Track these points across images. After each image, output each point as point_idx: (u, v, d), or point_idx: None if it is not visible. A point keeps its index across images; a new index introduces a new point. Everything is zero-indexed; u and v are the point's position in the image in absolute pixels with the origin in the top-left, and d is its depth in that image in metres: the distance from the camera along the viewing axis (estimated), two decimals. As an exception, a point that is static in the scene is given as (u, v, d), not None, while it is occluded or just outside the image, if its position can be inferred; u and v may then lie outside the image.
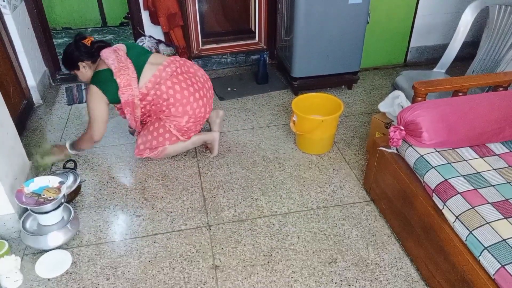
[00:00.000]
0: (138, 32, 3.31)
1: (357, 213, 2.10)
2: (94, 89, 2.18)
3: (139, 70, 2.21)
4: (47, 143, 2.60)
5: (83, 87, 3.29)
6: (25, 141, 2.64)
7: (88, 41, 2.23)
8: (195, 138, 2.42)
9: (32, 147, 2.55)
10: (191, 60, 3.38)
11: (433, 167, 1.68)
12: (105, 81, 2.17)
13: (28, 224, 1.95)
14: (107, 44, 2.29)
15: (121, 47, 2.27)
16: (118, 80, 2.15)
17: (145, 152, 2.39)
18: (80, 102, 3.11)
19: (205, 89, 2.37)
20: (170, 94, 2.23)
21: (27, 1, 2.99)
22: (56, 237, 1.90)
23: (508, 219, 1.44)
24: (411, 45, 3.50)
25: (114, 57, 2.19)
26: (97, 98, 2.19)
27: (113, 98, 2.20)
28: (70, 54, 2.24)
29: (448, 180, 1.61)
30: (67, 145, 2.41)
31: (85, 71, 2.27)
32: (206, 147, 2.56)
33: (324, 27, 2.83)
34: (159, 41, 3.28)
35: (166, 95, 2.23)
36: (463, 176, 1.63)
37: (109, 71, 2.16)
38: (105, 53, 2.21)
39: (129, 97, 2.20)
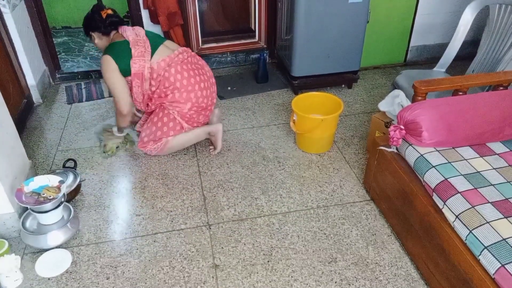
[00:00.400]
0: (138, 31, 3.30)
1: (357, 213, 2.10)
2: (106, 58, 2.23)
3: (154, 48, 2.28)
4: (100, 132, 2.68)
5: (83, 86, 3.29)
6: (25, 140, 2.64)
7: (104, 13, 2.27)
8: (199, 131, 2.44)
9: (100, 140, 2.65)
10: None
11: (433, 167, 1.68)
12: (119, 50, 2.24)
13: (28, 223, 1.95)
14: (121, 21, 2.34)
15: (139, 28, 2.35)
16: (133, 50, 2.21)
17: (149, 144, 2.41)
18: (80, 101, 3.11)
19: (209, 83, 2.44)
20: (178, 79, 2.28)
21: (26, 0, 2.99)
22: (56, 236, 1.90)
23: (508, 218, 1.44)
24: (411, 44, 3.49)
25: (132, 32, 2.29)
26: (110, 67, 2.23)
27: (125, 69, 2.24)
28: (85, 22, 2.34)
29: (448, 179, 1.61)
30: (114, 130, 2.52)
31: (96, 41, 2.35)
32: (210, 143, 2.56)
33: (324, 26, 2.83)
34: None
35: (173, 78, 2.28)
36: (463, 175, 1.63)
37: (126, 42, 2.25)
38: (123, 28, 2.32)
39: (140, 68, 2.24)
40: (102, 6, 2.34)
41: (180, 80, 2.29)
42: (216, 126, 2.48)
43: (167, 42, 2.38)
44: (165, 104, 2.34)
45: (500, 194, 1.55)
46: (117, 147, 2.53)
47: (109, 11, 2.29)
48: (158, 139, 2.37)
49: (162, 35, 3.31)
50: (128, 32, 2.28)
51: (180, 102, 2.31)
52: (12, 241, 1.97)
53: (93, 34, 2.32)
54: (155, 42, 2.31)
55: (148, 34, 2.35)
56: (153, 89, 2.32)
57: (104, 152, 2.51)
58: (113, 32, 2.32)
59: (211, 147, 2.55)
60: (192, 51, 3.37)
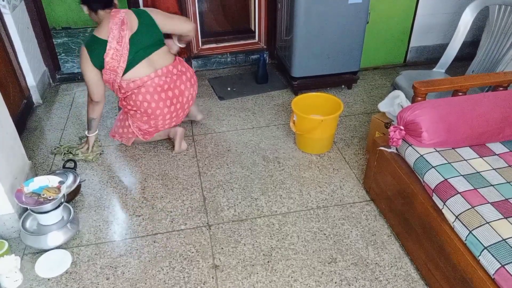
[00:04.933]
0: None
1: (357, 213, 2.10)
2: (83, 51, 2.18)
3: (130, 64, 2.19)
4: (65, 146, 2.60)
5: None
6: (24, 141, 2.64)
7: None
8: (160, 132, 2.50)
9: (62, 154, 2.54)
10: (190, 61, 3.40)
11: (433, 167, 1.68)
12: (96, 49, 2.16)
13: (28, 224, 1.95)
14: (109, 2, 2.18)
15: (131, 24, 2.18)
16: (106, 60, 2.15)
17: (116, 136, 2.52)
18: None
19: (181, 110, 2.42)
20: (144, 105, 2.27)
21: (26, 0, 2.99)
22: (56, 237, 1.90)
23: (508, 218, 1.44)
24: (411, 44, 3.49)
25: (116, 34, 2.13)
26: (86, 61, 2.19)
27: (97, 67, 2.20)
28: None
29: (448, 179, 1.61)
30: (86, 133, 2.50)
31: (86, 12, 2.23)
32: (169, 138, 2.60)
33: (324, 27, 2.83)
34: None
35: (139, 102, 2.26)
36: (463, 175, 1.63)
37: (105, 43, 2.13)
38: (113, 22, 2.13)
39: (109, 79, 2.23)
40: None
41: (146, 106, 2.26)
42: (175, 129, 2.47)
43: (155, 56, 2.25)
44: (130, 112, 2.35)
45: (500, 194, 1.55)
46: (99, 153, 2.53)
47: None
48: (120, 137, 2.50)
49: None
50: (111, 35, 2.12)
51: (141, 121, 2.35)
52: (12, 241, 1.97)
53: (82, 6, 2.21)
54: (135, 57, 2.18)
55: (135, 39, 2.17)
56: (120, 96, 2.32)
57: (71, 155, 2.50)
58: (102, 12, 2.17)
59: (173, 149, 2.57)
60: (192, 51, 3.39)
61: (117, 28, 2.14)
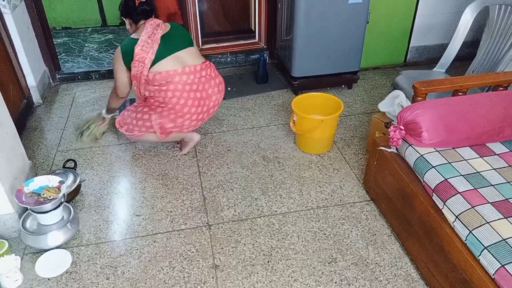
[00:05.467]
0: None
1: (357, 213, 2.10)
2: (117, 50, 2.28)
3: (159, 57, 2.21)
4: (82, 120, 2.72)
5: None
6: (24, 141, 2.64)
7: (138, 0, 2.25)
8: (174, 134, 2.43)
9: (75, 129, 2.73)
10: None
11: (433, 167, 1.68)
12: (128, 47, 2.23)
13: (28, 224, 1.95)
14: (152, 10, 2.32)
15: (165, 26, 2.29)
16: (135, 51, 2.20)
17: (124, 127, 2.43)
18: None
19: (207, 114, 2.42)
20: (173, 100, 2.24)
21: (27, 0, 2.99)
22: (56, 237, 1.90)
23: (508, 218, 1.44)
24: (411, 44, 3.49)
25: (149, 31, 2.23)
26: (118, 61, 2.27)
27: (128, 66, 2.26)
28: (121, 6, 2.33)
29: (448, 179, 1.61)
30: (103, 112, 2.59)
31: (127, 26, 2.36)
32: (179, 143, 2.57)
33: (324, 26, 2.83)
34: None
35: (168, 98, 2.23)
36: (463, 175, 1.63)
37: (137, 40, 2.22)
38: (149, 23, 2.26)
39: (137, 73, 2.23)
40: None
41: (176, 100, 2.23)
42: (192, 135, 2.47)
43: (184, 53, 2.26)
44: (152, 107, 2.32)
45: (500, 194, 1.55)
46: (103, 133, 2.64)
47: None
48: (131, 130, 2.39)
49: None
50: (148, 29, 2.23)
51: (166, 119, 2.29)
52: (12, 241, 1.97)
53: (125, 19, 2.34)
54: (167, 49, 2.21)
55: (167, 36, 2.24)
56: (147, 94, 2.30)
57: (82, 135, 2.60)
58: (141, 22, 2.30)
59: (177, 145, 2.56)
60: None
61: (152, 28, 2.25)
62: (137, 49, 2.19)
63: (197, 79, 2.27)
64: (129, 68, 2.26)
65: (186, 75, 2.24)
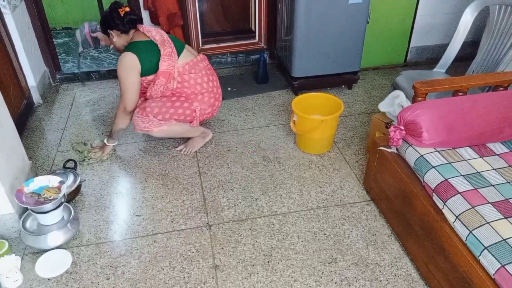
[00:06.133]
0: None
1: (357, 213, 2.10)
2: (129, 56, 2.19)
3: (179, 51, 2.32)
4: (83, 146, 2.60)
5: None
6: (25, 141, 2.64)
7: (122, 11, 2.24)
8: (197, 128, 2.52)
9: (75, 149, 2.60)
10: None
11: (433, 167, 1.68)
12: (145, 49, 2.23)
13: (28, 224, 1.95)
14: (139, 19, 2.35)
15: (160, 30, 2.35)
16: (162, 50, 2.23)
17: (158, 116, 2.27)
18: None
19: (218, 87, 2.53)
20: (199, 83, 2.37)
21: (27, 0, 2.99)
22: (56, 237, 1.90)
23: (508, 219, 1.44)
24: (411, 45, 3.49)
25: (157, 32, 2.29)
26: (130, 66, 2.19)
27: (148, 68, 2.24)
28: (102, 20, 2.31)
29: (448, 180, 1.61)
30: (105, 141, 2.50)
31: (114, 39, 2.30)
32: (184, 140, 2.60)
33: (324, 27, 2.83)
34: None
35: (195, 82, 2.35)
36: (463, 176, 1.63)
37: (151, 42, 2.25)
38: (145, 27, 2.31)
39: (169, 67, 2.26)
40: (120, 3, 2.29)
41: (201, 84, 2.37)
42: (208, 131, 2.62)
43: (188, 47, 2.43)
44: (184, 96, 2.36)
45: (500, 194, 1.55)
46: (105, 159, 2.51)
47: (127, 9, 2.25)
48: (166, 119, 2.29)
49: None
50: (154, 32, 2.28)
51: (207, 104, 2.41)
52: (12, 241, 1.97)
53: (111, 32, 2.28)
54: (178, 46, 2.33)
55: (170, 37, 2.35)
56: (178, 88, 2.34)
57: (86, 159, 2.49)
58: (132, 31, 2.30)
59: (181, 146, 2.57)
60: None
61: (154, 30, 2.31)
62: (162, 47, 2.24)
63: (205, 63, 2.46)
64: (145, 73, 2.25)
65: (200, 62, 2.41)
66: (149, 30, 2.29)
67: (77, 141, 2.64)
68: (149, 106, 2.27)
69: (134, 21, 2.28)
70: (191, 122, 2.41)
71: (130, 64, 2.20)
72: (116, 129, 2.41)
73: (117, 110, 2.36)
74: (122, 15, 2.23)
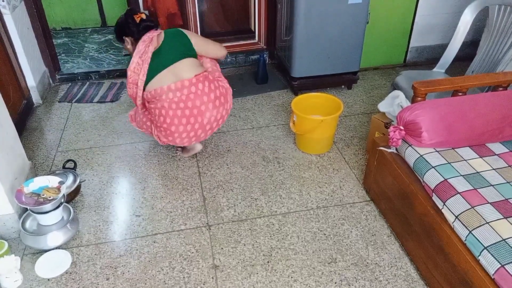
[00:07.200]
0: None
1: (356, 213, 2.10)
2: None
3: (150, 75, 2.14)
4: None
5: (83, 86, 3.29)
6: (24, 141, 2.64)
7: (138, 17, 2.17)
8: None
9: None
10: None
11: (433, 167, 1.68)
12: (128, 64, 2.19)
13: (27, 224, 1.95)
14: (154, 25, 2.22)
15: (158, 38, 2.19)
16: (128, 73, 2.16)
17: (133, 122, 2.49)
18: (70, 101, 3.11)
19: (202, 130, 2.27)
20: (161, 119, 2.20)
21: (26, 1, 2.99)
22: (56, 237, 1.90)
23: (507, 219, 1.44)
24: (411, 45, 3.50)
25: (141, 49, 2.13)
26: None
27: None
28: (118, 27, 2.23)
29: (447, 180, 1.61)
30: None
31: (128, 46, 2.25)
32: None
33: (324, 27, 2.83)
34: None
35: (156, 116, 2.21)
36: (462, 176, 1.63)
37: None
38: (142, 39, 2.15)
39: (133, 94, 2.22)
40: (135, 10, 2.25)
41: (163, 119, 2.19)
42: (195, 146, 2.45)
43: (180, 64, 2.16)
44: (152, 122, 2.31)
45: (500, 194, 1.55)
46: None
47: (143, 16, 2.19)
48: (141, 126, 2.45)
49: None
50: (139, 48, 2.13)
51: (161, 134, 2.26)
52: (12, 242, 1.97)
53: (126, 39, 2.22)
54: (158, 65, 2.13)
55: (161, 50, 2.15)
56: (149, 118, 2.31)
57: None
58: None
59: (179, 149, 2.54)
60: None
61: (143, 45, 2.14)
62: (129, 71, 2.14)
63: (184, 96, 2.15)
64: None
65: (172, 92, 2.14)
66: (139, 45, 2.14)
67: None
68: (130, 112, 2.51)
69: (148, 28, 2.18)
70: (160, 142, 2.33)
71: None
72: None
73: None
74: (138, 21, 2.16)
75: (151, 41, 2.15)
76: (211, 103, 2.22)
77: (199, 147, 2.47)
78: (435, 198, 1.63)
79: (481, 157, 1.74)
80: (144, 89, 2.19)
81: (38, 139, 2.72)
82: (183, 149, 2.52)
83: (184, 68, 2.17)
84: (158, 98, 2.16)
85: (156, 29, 2.22)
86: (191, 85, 2.15)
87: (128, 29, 2.19)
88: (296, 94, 3.10)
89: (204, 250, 1.91)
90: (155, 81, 2.15)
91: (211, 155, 2.52)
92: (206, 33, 3.41)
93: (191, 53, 2.24)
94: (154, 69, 2.14)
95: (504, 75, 2.01)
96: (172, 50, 2.18)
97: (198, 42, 2.29)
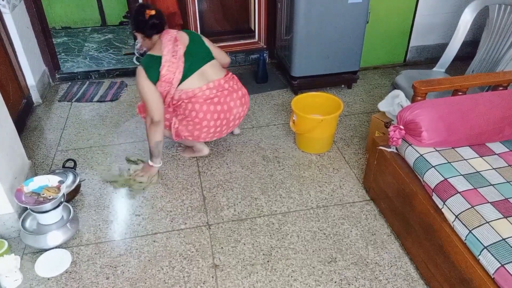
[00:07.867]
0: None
1: (356, 212, 2.10)
2: (140, 70, 2.13)
3: (185, 75, 2.18)
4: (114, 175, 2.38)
5: (83, 86, 3.29)
6: (24, 141, 2.64)
7: (147, 13, 2.14)
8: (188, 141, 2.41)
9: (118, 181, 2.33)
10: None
11: (433, 167, 1.68)
12: (152, 66, 2.14)
13: (27, 223, 1.95)
14: (163, 25, 2.20)
15: (183, 40, 2.21)
16: (162, 72, 2.13)
17: (142, 114, 2.37)
18: (70, 100, 3.10)
19: (226, 127, 2.33)
20: (193, 114, 2.21)
21: (26, 0, 2.98)
22: (56, 236, 1.90)
23: (507, 218, 1.44)
24: (411, 44, 3.49)
25: (171, 49, 2.15)
26: (143, 77, 2.13)
27: (154, 82, 2.16)
28: (133, 20, 2.22)
29: (447, 179, 1.61)
30: (149, 162, 2.28)
31: (141, 41, 2.25)
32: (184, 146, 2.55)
33: (324, 26, 2.83)
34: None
35: (188, 111, 2.21)
36: (462, 175, 1.63)
37: (160, 58, 2.13)
38: (166, 38, 2.17)
39: (164, 92, 2.19)
40: (145, 6, 2.21)
41: (195, 113, 2.20)
42: (202, 148, 2.46)
43: (208, 67, 2.24)
44: (176, 116, 2.27)
45: (500, 194, 1.55)
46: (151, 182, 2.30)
47: (152, 12, 2.15)
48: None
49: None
50: (166, 50, 2.14)
51: (185, 128, 2.26)
52: (12, 241, 1.97)
53: (137, 34, 2.23)
54: (191, 67, 2.18)
55: (189, 51, 2.19)
56: (170, 110, 2.27)
57: (133, 186, 2.27)
58: (156, 36, 2.20)
59: (180, 147, 2.54)
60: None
61: (171, 44, 2.16)
62: (163, 70, 2.13)
63: (219, 92, 2.24)
64: (154, 84, 2.16)
65: (209, 90, 2.22)
66: (165, 45, 2.15)
67: (112, 173, 2.38)
68: (140, 104, 2.40)
69: (156, 26, 2.17)
70: (175, 137, 2.31)
71: (142, 77, 2.13)
72: (153, 144, 2.20)
73: (145, 126, 2.24)
74: (147, 18, 2.14)
75: (176, 40, 2.18)
76: (239, 100, 2.34)
77: (206, 151, 2.47)
78: (435, 197, 1.63)
79: (481, 156, 1.74)
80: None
81: (38, 138, 2.71)
82: (186, 149, 2.51)
83: (213, 71, 2.27)
84: (193, 96, 2.19)
85: (164, 28, 2.22)
86: (225, 83, 2.29)
87: (138, 25, 2.19)
88: (296, 93, 3.10)
89: (204, 250, 1.91)
90: (186, 83, 2.19)
91: (211, 155, 2.52)
92: (206, 32, 3.40)
93: (212, 57, 2.32)
94: (187, 71, 2.18)
95: (504, 74, 2.01)
96: (200, 52, 2.27)
97: (211, 47, 2.35)
